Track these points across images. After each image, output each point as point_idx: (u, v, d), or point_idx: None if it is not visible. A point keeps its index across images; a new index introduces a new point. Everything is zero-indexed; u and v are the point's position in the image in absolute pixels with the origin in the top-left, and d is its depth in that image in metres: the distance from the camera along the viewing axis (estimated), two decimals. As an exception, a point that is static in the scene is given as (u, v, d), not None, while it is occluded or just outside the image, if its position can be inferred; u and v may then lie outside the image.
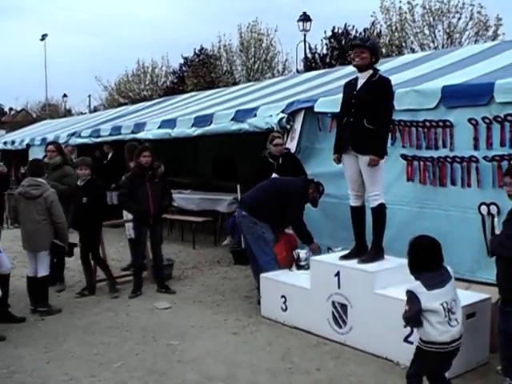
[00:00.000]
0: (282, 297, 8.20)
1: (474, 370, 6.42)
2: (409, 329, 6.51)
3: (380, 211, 7.50)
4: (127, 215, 11.17)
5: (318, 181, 9.30)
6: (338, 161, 7.73)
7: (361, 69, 7.43)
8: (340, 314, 7.39)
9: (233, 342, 7.56)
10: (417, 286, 5.12)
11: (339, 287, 7.37)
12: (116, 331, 8.12)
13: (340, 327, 7.40)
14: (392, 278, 7.14)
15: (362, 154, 7.31)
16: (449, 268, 5.34)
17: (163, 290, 10.02)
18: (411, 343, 6.50)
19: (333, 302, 7.47)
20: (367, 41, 7.56)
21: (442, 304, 5.06)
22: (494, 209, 7.61)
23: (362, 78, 7.44)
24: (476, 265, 7.81)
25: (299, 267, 8.74)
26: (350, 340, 7.27)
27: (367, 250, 7.62)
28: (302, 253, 8.83)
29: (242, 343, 7.53)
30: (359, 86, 7.45)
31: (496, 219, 7.51)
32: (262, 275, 8.62)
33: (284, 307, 8.19)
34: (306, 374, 6.51)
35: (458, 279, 7.20)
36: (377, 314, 6.93)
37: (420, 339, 5.22)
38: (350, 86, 7.63)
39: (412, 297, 5.11)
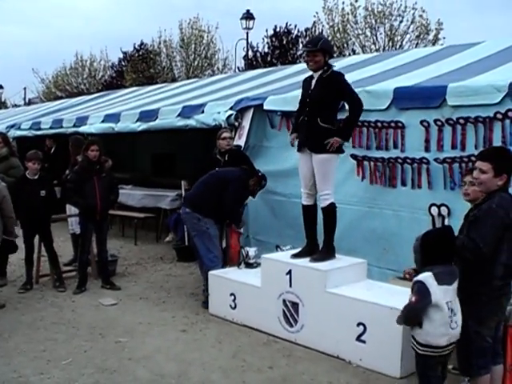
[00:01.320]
0: (231, 294, 8.16)
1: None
2: (361, 328, 6.59)
3: (330, 211, 7.50)
4: (70, 209, 11.00)
5: (262, 174, 9.32)
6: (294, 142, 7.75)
7: (316, 70, 7.44)
8: (291, 312, 7.38)
9: (182, 340, 7.50)
10: (428, 277, 4.90)
11: (291, 285, 7.36)
12: (62, 327, 7.96)
13: (291, 326, 7.39)
14: (344, 277, 7.20)
15: (316, 152, 7.31)
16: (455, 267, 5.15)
17: (108, 286, 9.88)
18: (363, 342, 6.57)
19: (284, 301, 7.46)
20: (317, 43, 7.41)
21: (447, 303, 4.92)
22: (444, 210, 7.71)
23: (315, 79, 7.46)
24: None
25: (248, 265, 8.71)
26: (300, 338, 7.27)
27: (318, 248, 7.64)
28: (251, 251, 8.80)
29: (192, 341, 7.46)
30: (313, 85, 7.46)
31: (446, 220, 7.61)
32: (211, 272, 8.56)
33: (233, 305, 8.15)
34: (259, 372, 6.49)
35: (407, 279, 7.30)
36: (329, 313, 6.94)
37: (416, 342, 5.07)
38: (306, 85, 7.63)
39: (422, 288, 4.89)
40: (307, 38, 34.31)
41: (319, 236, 7.73)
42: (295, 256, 7.64)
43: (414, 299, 4.94)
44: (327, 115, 7.27)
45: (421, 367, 5.14)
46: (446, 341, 4.96)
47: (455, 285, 5.05)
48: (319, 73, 7.40)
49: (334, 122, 7.29)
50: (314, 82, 7.48)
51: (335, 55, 28.77)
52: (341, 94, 7.32)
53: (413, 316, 5.02)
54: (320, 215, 7.70)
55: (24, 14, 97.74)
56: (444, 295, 4.92)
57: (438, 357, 5.02)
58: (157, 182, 16.25)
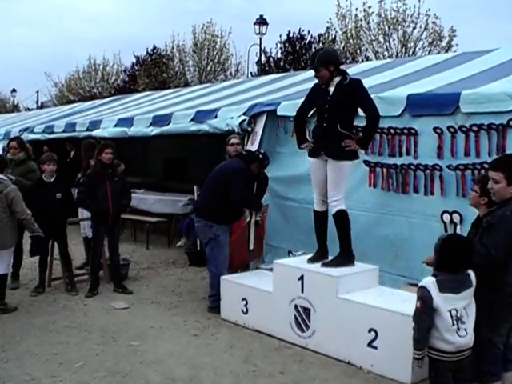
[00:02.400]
0: (243, 299, 8.17)
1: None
2: (373, 334, 6.58)
3: (340, 217, 7.45)
4: (82, 213, 11.04)
5: (263, 153, 9.25)
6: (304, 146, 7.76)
7: (326, 83, 7.42)
8: (303, 317, 7.38)
9: (194, 344, 7.51)
10: (430, 282, 4.95)
11: (302, 291, 7.36)
12: (74, 331, 7.99)
13: (302, 331, 7.39)
14: (356, 283, 7.20)
15: (334, 158, 7.30)
16: (472, 275, 5.08)
17: (120, 289, 9.91)
18: (375, 348, 6.57)
19: (295, 306, 7.46)
20: (314, 60, 7.37)
21: (449, 311, 4.89)
22: (456, 217, 7.70)
23: (332, 86, 7.38)
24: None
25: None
26: (312, 344, 7.27)
27: (328, 254, 7.66)
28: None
29: (204, 345, 7.48)
30: (332, 92, 7.37)
31: (458, 227, 7.60)
32: (223, 277, 8.58)
33: (245, 310, 8.16)
34: (270, 377, 6.50)
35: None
36: (340, 319, 6.95)
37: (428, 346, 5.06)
38: (319, 91, 7.55)
39: (424, 293, 4.92)
40: (320, 44, 34.36)
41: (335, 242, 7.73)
42: (311, 260, 7.65)
43: (418, 305, 4.98)
44: (346, 122, 7.27)
45: (431, 372, 5.13)
46: (453, 348, 4.93)
47: (466, 293, 4.99)
48: (336, 81, 7.35)
49: (352, 128, 7.32)
50: (331, 89, 7.40)
51: (348, 61, 28.78)
52: (357, 100, 7.29)
53: (421, 321, 4.99)
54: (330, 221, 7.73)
55: (37, 17, 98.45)
56: (445, 303, 4.90)
57: (448, 362, 4.97)
58: (169, 187, 16.29)
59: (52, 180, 9.68)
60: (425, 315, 4.94)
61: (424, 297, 4.93)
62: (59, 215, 9.69)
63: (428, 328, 4.95)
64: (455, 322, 4.91)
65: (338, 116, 7.28)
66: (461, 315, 4.94)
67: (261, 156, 9.09)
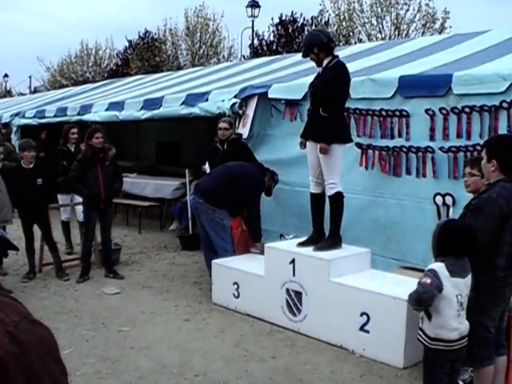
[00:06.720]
0: (235, 283, 8.13)
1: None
2: (365, 317, 6.55)
3: (336, 199, 7.42)
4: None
5: (272, 170, 9.26)
6: (302, 145, 7.67)
7: (319, 64, 7.43)
8: (294, 301, 7.34)
9: (185, 329, 7.47)
10: (440, 267, 4.71)
11: (294, 275, 7.32)
12: (64, 316, 7.95)
13: (294, 315, 7.35)
14: (348, 266, 7.16)
15: (317, 141, 7.28)
16: (467, 261, 4.90)
17: (111, 274, 9.86)
18: (367, 332, 6.53)
19: (287, 290, 7.42)
20: (303, 48, 7.57)
21: (456, 296, 4.74)
22: (449, 199, 7.65)
23: (322, 68, 7.42)
24: (429, 254, 7.79)
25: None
26: (304, 328, 7.23)
27: (324, 237, 7.58)
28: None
29: (195, 330, 7.44)
30: (317, 75, 7.50)
31: (451, 209, 7.56)
32: (214, 261, 8.52)
33: (236, 294, 8.11)
34: (261, 362, 6.46)
35: (411, 268, 7.28)
36: (332, 302, 6.90)
37: (426, 336, 4.86)
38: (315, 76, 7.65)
39: (433, 273, 4.70)
40: (313, 27, 34.24)
41: (326, 225, 7.69)
42: (301, 244, 7.59)
43: (428, 281, 4.68)
44: (327, 104, 7.20)
45: (429, 362, 4.94)
46: (457, 335, 4.78)
47: (468, 279, 4.86)
48: (324, 63, 7.35)
49: (335, 110, 7.22)
50: (319, 72, 7.48)
51: (341, 44, 28.65)
52: (333, 82, 7.21)
53: (426, 297, 4.72)
54: (327, 204, 7.67)
55: (29, 2, 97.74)
56: (454, 288, 4.73)
57: (449, 351, 4.81)
58: (161, 171, 16.23)
59: (31, 166, 9.63)
60: (431, 292, 4.66)
61: (434, 276, 4.69)
62: (39, 201, 9.63)
63: (427, 304, 4.74)
64: (459, 308, 4.79)
65: (319, 99, 7.27)
66: (463, 301, 4.82)
67: (270, 169, 9.27)
